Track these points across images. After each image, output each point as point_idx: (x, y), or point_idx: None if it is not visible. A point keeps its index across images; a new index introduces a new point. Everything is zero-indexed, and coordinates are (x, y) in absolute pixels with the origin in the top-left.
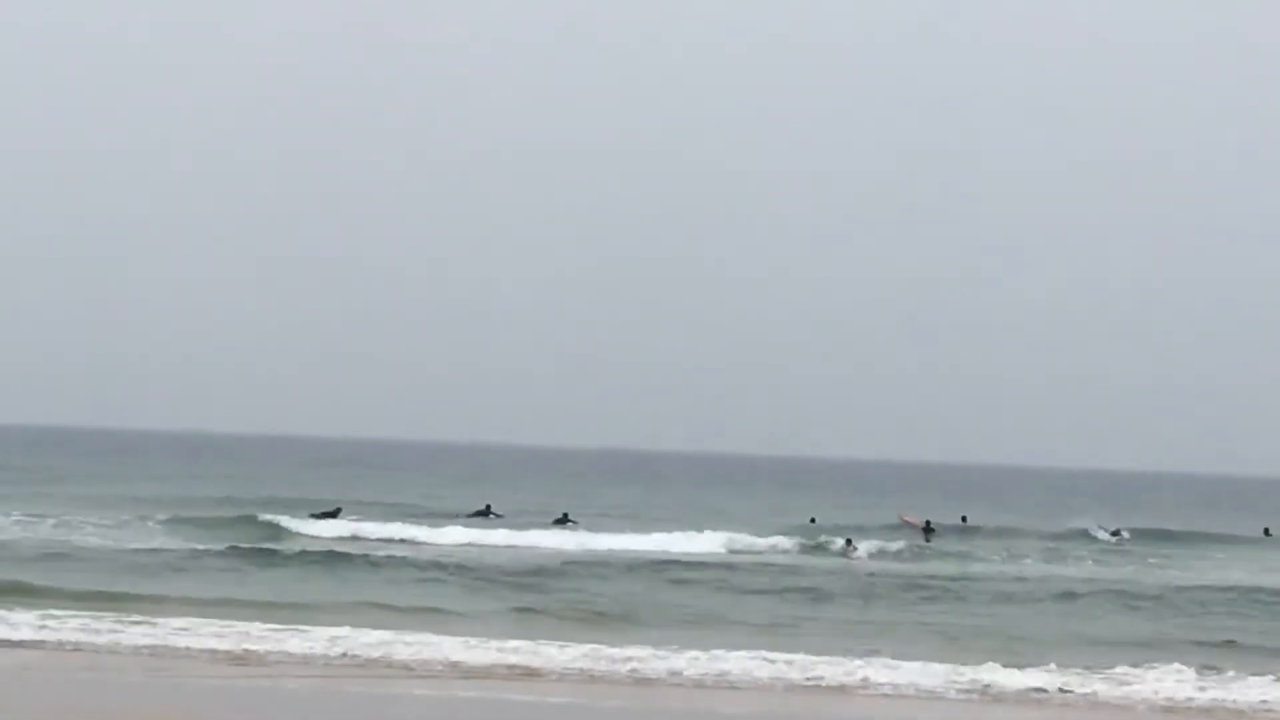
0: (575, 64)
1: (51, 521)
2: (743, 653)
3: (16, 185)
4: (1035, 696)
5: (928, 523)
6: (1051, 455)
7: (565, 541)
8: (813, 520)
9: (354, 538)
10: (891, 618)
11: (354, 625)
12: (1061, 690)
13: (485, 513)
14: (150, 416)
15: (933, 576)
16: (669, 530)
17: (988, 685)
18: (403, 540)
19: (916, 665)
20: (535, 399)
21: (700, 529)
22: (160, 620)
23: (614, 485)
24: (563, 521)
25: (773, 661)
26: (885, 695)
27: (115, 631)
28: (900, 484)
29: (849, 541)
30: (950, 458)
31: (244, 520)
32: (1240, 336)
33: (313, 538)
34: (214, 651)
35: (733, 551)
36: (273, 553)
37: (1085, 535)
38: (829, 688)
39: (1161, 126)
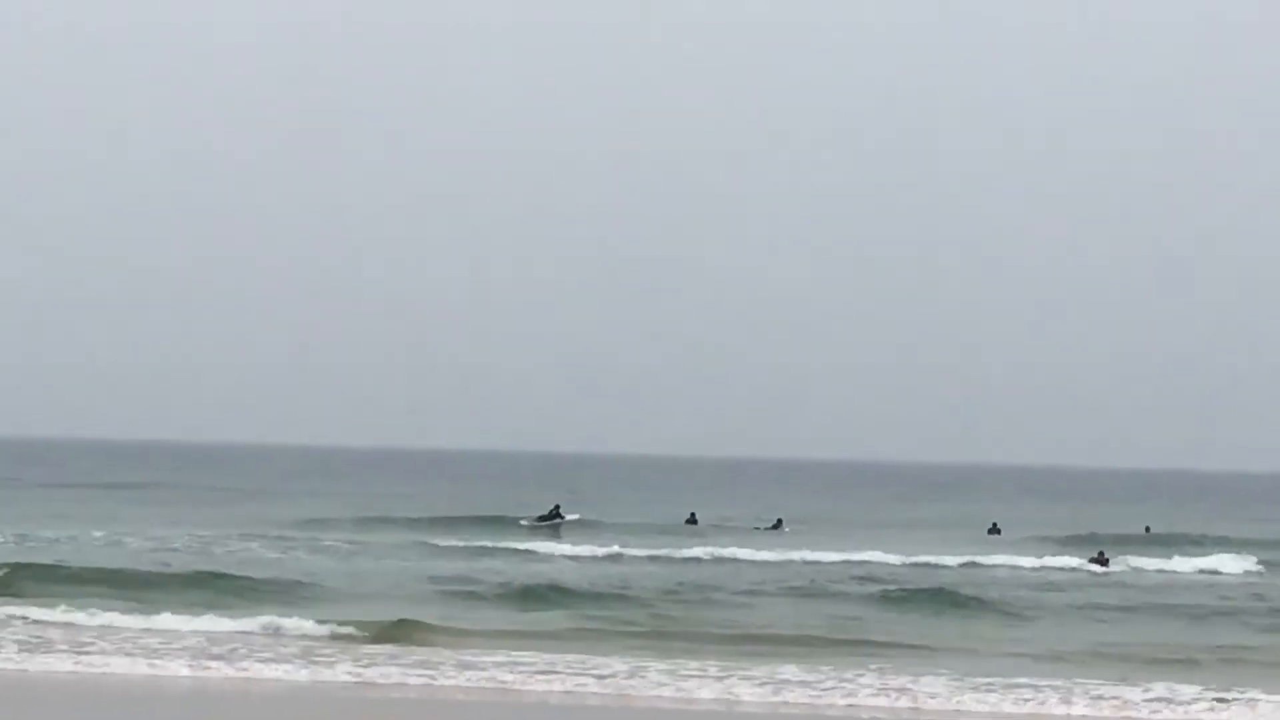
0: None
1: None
2: None
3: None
4: None
5: (779, 521)
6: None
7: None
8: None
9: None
10: None
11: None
12: None
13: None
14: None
15: None
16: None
17: None
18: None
19: None
20: (535, 404)
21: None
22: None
23: (709, 492)
24: (778, 527)
25: None
26: None
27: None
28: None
29: (1101, 554)
30: (956, 458)
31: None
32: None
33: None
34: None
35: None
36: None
37: None
38: None
39: (1150, 118)
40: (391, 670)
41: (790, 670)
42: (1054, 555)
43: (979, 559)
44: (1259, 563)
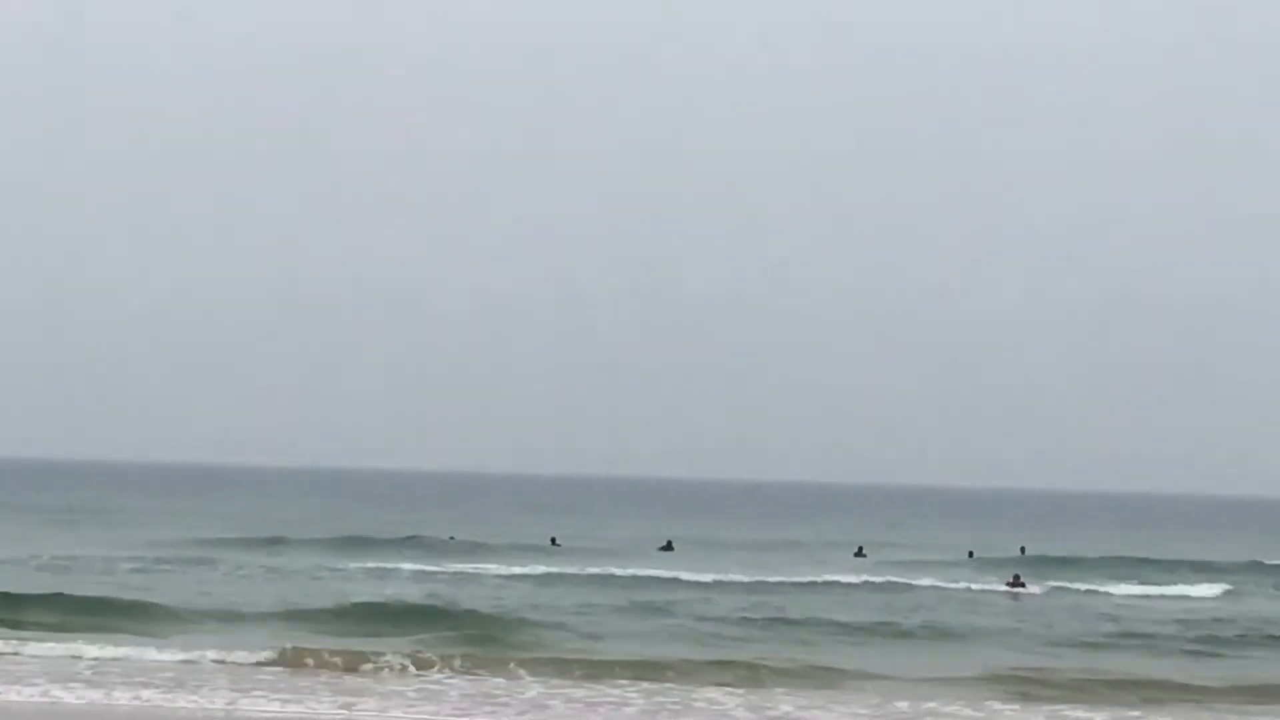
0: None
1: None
2: None
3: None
4: None
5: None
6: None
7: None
8: (860, 551)
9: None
10: None
11: None
12: None
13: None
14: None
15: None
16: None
17: None
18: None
19: None
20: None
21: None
22: None
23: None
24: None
25: None
26: None
27: None
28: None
29: (1017, 578)
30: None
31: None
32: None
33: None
34: None
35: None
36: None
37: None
38: None
39: (1143, 130)
40: (268, 697)
41: (707, 695)
42: (972, 580)
43: (895, 579)
44: (1227, 589)
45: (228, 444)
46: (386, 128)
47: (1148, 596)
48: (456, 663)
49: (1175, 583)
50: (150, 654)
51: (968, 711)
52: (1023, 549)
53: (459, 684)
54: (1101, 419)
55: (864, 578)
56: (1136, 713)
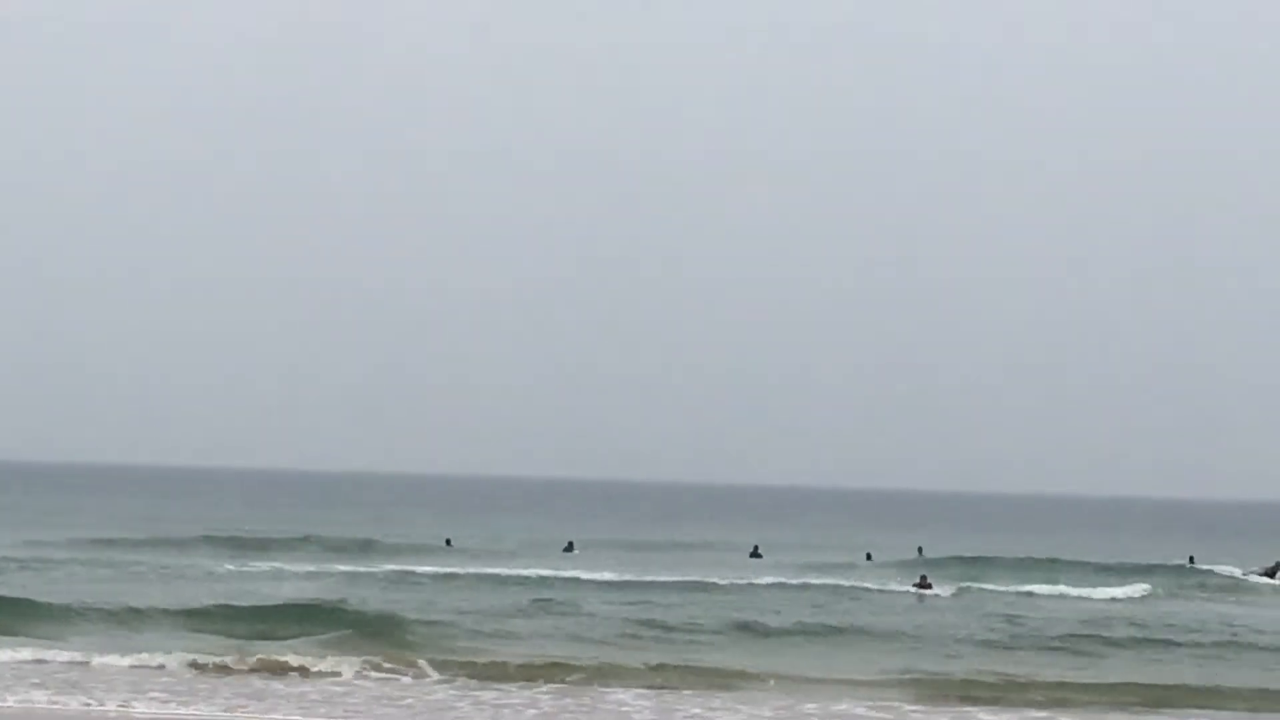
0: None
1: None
2: None
3: None
4: None
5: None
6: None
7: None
8: (755, 551)
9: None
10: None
11: None
12: None
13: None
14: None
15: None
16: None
17: None
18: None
19: None
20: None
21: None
22: None
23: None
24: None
25: None
26: None
27: None
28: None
29: (923, 578)
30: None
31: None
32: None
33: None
34: None
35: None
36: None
37: (1190, 571)
38: None
39: (1143, 131)
40: (163, 700)
41: (615, 697)
42: (876, 581)
43: (802, 580)
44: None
45: (200, 447)
46: (365, 128)
47: (1056, 597)
48: (359, 663)
49: (1086, 584)
50: (44, 655)
51: (875, 714)
52: (920, 550)
53: (362, 685)
54: (1081, 422)
55: (768, 579)
56: (1043, 714)
